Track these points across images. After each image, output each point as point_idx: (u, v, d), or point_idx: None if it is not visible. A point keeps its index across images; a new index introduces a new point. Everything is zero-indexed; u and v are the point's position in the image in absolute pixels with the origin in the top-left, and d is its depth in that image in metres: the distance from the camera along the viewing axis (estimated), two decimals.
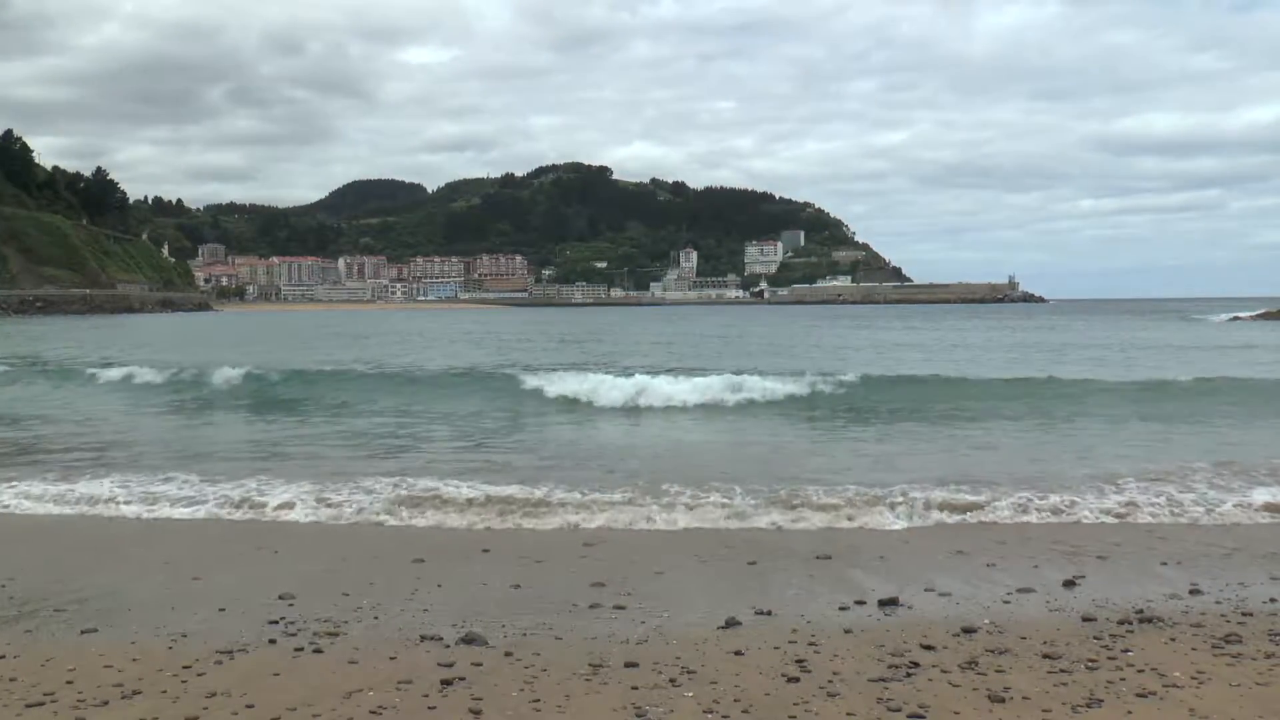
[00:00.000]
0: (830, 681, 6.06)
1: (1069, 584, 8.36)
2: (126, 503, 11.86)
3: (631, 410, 22.05)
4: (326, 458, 15.68)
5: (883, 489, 11.97)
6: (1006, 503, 11.45)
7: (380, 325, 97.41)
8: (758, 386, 23.22)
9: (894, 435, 18.13)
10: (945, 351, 46.22)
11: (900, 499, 11.48)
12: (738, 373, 25.13)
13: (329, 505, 11.56)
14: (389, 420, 20.66)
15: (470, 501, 11.63)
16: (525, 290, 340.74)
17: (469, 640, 6.86)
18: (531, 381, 24.99)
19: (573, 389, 23.45)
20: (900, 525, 10.73)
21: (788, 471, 13.81)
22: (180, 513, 11.45)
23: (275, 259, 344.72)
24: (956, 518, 10.99)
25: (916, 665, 6.35)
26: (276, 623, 7.32)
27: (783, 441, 17.87)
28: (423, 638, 6.97)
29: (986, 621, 7.34)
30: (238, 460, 15.27)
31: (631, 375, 24.79)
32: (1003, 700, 5.75)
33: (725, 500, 11.59)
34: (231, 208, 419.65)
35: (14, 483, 12.90)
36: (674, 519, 10.95)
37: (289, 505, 11.59)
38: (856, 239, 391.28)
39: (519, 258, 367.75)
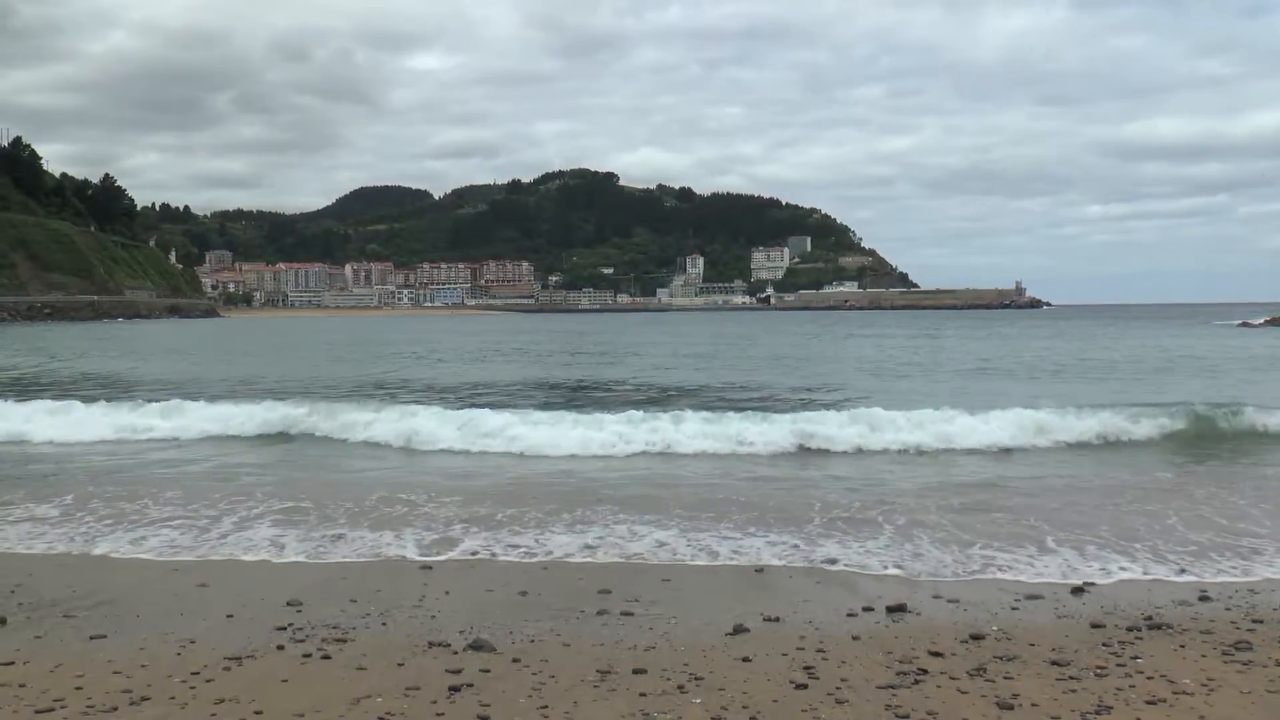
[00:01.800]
0: (838, 688, 6.05)
1: (1077, 591, 8.33)
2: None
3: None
4: None
5: None
6: None
7: (402, 332, 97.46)
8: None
9: None
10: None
11: None
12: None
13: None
14: None
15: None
16: (531, 296, 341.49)
17: (477, 647, 6.87)
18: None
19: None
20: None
21: None
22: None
23: (282, 265, 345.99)
24: None
25: (925, 672, 6.34)
26: (284, 629, 7.33)
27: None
28: (430, 644, 6.97)
29: (994, 628, 7.32)
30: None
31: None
32: (1011, 707, 5.73)
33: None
34: (238, 214, 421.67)
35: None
36: None
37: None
38: (863, 245, 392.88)
39: (525, 264, 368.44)
